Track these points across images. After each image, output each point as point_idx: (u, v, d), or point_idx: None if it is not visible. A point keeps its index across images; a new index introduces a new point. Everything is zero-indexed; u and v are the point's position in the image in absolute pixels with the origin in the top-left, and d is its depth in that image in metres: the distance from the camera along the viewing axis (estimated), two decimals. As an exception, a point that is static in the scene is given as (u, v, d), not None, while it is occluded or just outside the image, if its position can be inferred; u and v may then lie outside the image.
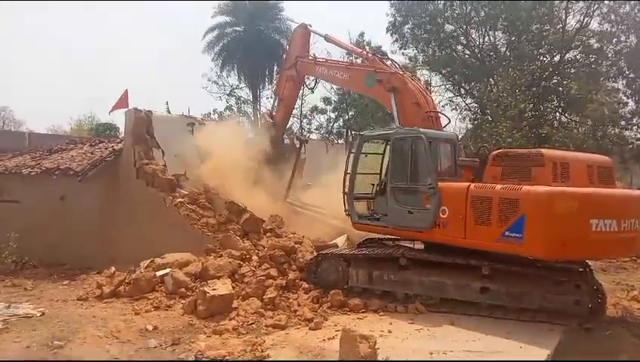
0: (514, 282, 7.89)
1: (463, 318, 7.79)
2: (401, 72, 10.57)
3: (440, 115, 10.28)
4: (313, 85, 13.91)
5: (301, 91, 15.01)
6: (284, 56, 15.55)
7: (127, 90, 14.11)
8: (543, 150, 7.88)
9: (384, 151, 10.13)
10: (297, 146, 13.34)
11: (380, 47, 27.29)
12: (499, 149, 8.60)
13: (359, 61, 12.97)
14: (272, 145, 13.00)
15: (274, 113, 13.73)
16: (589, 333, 7.21)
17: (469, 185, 7.94)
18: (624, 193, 8.23)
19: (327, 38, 12.91)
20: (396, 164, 9.05)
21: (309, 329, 7.38)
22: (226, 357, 6.04)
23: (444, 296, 8.32)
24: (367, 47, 12.42)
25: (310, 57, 12.87)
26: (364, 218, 9.77)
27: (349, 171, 9.64)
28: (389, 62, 11.30)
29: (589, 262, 8.35)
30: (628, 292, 9.91)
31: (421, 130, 8.86)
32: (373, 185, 10.03)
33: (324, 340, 6.83)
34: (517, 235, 7.21)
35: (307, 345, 6.61)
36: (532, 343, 6.66)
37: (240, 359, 6.05)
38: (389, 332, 7.15)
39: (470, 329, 7.29)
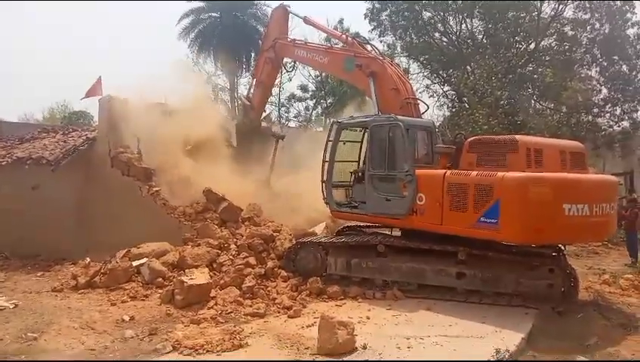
0: (489, 267, 8.02)
1: (440, 303, 7.91)
2: (381, 57, 10.51)
3: (418, 101, 10.27)
4: (292, 69, 13.79)
5: (279, 78, 14.84)
6: (263, 37, 15.18)
7: (100, 77, 13.85)
8: (516, 136, 7.98)
9: (362, 138, 10.10)
10: (274, 143, 13.19)
11: (358, 33, 27.22)
12: (474, 136, 8.68)
13: (339, 46, 12.86)
14: (250, 127, 13.02)
15: (251, 96, 13.60)
16: (561, 316, 7.41)
17: (446, 172, 8.01)
18: (596, 178, 8.37)
19: (306, 20, 12.75)
20: (374, 152, 9.05)
21: (288, 316, 7.42)
22: (204, 346, 6.02)
23: (421, 282, 8.41)
24: (346, 33, 11.90)
25: (289, 39, 12.74)
26: (342, 206, 9.77)
27: (326, 159, 9.60)
28: (368, 48, 11.20)
29: (563, 247, 8.53)
30: (599, 276, 10.19)
31: (399, 117, 8.87)
32: (352, 173, 10.04)
33: (302, 327, 6.87)
34: (492, 221, 7.31)
35: (286, 333, 6.63)
36: (507, 327, 6.78)
37: (218, 349, 6.03)
38: (367, 318, 7.22)
39: (447, 314, 7.40)
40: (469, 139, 8.36)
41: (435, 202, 7.97)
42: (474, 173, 7.65)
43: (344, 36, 12.32)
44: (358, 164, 10.13)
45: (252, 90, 13.69)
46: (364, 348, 6.00)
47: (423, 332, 6.60)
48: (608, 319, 7.46)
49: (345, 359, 5.75)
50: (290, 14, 13.16)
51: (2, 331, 6.54)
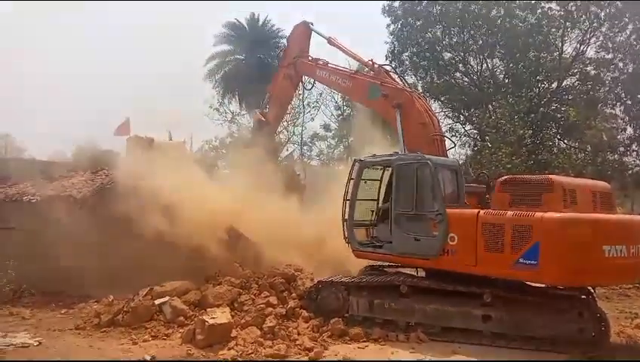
0: (516, 310, 7.82)
1: (466, 347, 7.70)
2: (409, 90, 10.37)
3: (445, 138, 10.16)
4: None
5: (301, 116, 14.92)
6: (282, 52, 14.79)
7: (128, 118, 14.20)
8: (551, 176, 7.94)
9: (381, 176, 10.04)
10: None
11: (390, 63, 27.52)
12: (500, 176, 8.60)
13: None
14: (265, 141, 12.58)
15: (266, 112, 13.33)
16: (593, 362, 7.13)
17: (479, 212, 7.91)
18: (632, 218, 8.34)
19: (330, 42, 12.46)
20: (400, 191, 8.89)
21: (309, 358, 7.30)
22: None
23: (445, 325, 8.22)
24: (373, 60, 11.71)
25: (310, 58, 12.49)
26: (365, 245, 9.60)
27: (348, 198, 9.45)
28: (395, 77, 11.03)
29: (593, 290, 8.30)
30: (632, 320, 9.80)
31: (425, 156, 8.81)
32: (372, 211, 9.96)
33: (324, 370, 6.74)
34: (532, 262, 7.22)
35: (307, 375, 6.52)
36: (536, 373, 6.57)
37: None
38: (391, 362, 7.06)
39: (473, 357, 7.21)
40: (501, 178, 8.30)
41: (469, 242, 7.83)
42: (510, 212, 7.54)
43: (371, 62, 11.73)
44: (377, 202, 9.99)
45: (267, 106, 13.49)
46: (388, 392, 5.86)
47: (448, 376, 6.43)
48: (642, 365, 7.18)
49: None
50: (313, 32, 12.89)
51: (26, 370, 6.57)
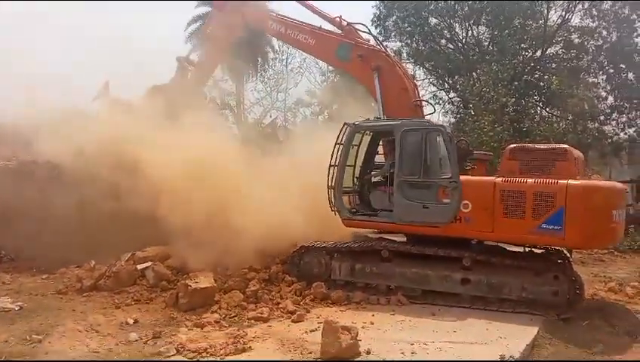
0: (494, 273, 8.00)
1: (445, 309, 7.87)
2: (384, 51, 9.86)
3: (424, 103, 9.91)
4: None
5: (285, 83, 14.35)
6: None
7: (107, 82, 13.82)
8: (565, 146, 8.20)
9: (369, 142, 9.79)
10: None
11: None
12: (516, 144, 8.72)
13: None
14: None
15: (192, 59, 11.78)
16: (567, 323, 7.36)
17: (495, 179, 8.01)
18: (622, 186, 8.73)
19: None
20: (405, 158, 8.64)
21: (292, 321, 7.38)
22: (207, 350, 6.02)
23: (425, 288, 8.37)
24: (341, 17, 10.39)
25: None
26: (357, 213, 9.30)
27: (334, 163, 9.04)
28: (369, 38, 10.21)
29: (569, 254, 8.51)
30: (605, 283, 10.11)
31: (436, 123, 8.73)
32: (356, 178, 9.75)
33: (306, 332, 6.84)
34: (556, 227, 7.48)
35: (289, 337, 6.61)
36: (512, 333, 6.75)
37: (221, 353, 6.02)
38: (371, 323, 7.19)
39: (451, 320, 7.37)
40: (511, 146, 8.45)
41: (484, 210, 7.93)
42: (530, 180, 7.73)
43: (338, 20, 10.46)
44: (362, 168, 9.74)
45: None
46: (368, 353, 5.98)
47: (427, 337, 6.57)
48: (614, 326, 7.43)
49: None
50: None
51: (7, 333, 6.56)
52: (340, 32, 10.55)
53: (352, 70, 10.16)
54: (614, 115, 24.33)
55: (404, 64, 25.31)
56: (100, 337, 6.57)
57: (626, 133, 24.46)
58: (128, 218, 9.63)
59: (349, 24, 10.40)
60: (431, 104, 9.97)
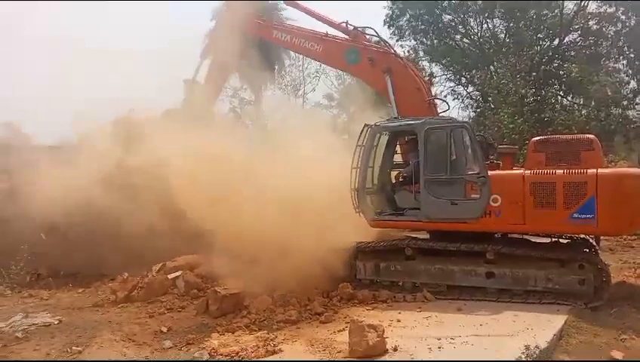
0: (518, 265, 8.02)
1: (471, 304, 7.92)
2: (393, 52, 9.94)
3: (438, 101, 10.02)
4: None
5: (303, 88, 14.37)
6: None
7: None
8: (591, 135, 8.25)
9: (387, 142, 9.78)
10: None
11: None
12: (540, 137, 8.75)
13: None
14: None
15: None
16: (595, 312, 7.33)
17: (524, 172, 8.10)
18: None
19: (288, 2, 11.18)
20: (430, 156, 8.68)
21: (320, 322, 7.53)
22: (239, 353, 6.21)
23: (450, 284, 8.44)
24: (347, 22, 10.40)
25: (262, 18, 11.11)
26: (383, 214, 9.33)
27: (357, 165, 9.06)
28: (375, 40, 10.24)
29: (595, 243, 8.47)
30: (635, 270, 9.97)
31: (460, 120, 8.68)
32: (378, 179, 9.80)
33: (334, 332, 6.97)
34: (588, 216, 7.57)
35: (318, 338, 6.76)
36: (539, 324, 6.77)
37: (252, 356, 6.20)
38: (398, 321, 7.27)
39: (478, 314, 7.41)
40: (535, 139, 8.53)
41: (515, 203, 8.01)
42: (559, 171, 7.82)
43: (344, 25, 10.47)
44: (379, 169, 9.66)
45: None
46: (395, 349, 6.08)
47: (454, 332, 6.63)
48: (643, 313, 7.37)
49: (376, 360, 5.85)
50: None
51: (48, 346, 6.84)
52: (347, 37, 10.65)
53: (362, 74, 10.26)
54: (638, 99, 23.88)
55: (419, 62, 25.58)
56: (136, 346, 6.82)
57: (650, 117, 23.97)
58: (166, 231, 9.94)
59: (355, 28, 10.46)
60: (445, 101, 10.07)
